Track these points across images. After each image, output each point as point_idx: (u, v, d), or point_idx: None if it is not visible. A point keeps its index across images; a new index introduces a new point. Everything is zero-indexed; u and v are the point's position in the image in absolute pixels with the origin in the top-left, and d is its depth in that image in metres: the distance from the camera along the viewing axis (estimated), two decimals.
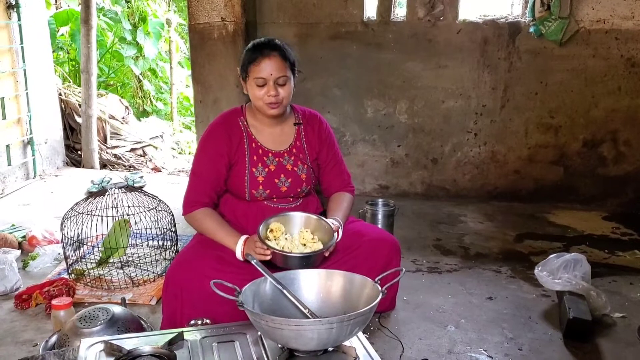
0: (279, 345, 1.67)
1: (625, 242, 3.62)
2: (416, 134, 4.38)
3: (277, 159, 2.42)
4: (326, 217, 2.42)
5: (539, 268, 2.77)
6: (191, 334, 1.74)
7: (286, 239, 2.26)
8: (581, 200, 4.27)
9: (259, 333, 1.75)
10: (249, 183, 2.38)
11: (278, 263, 2.15)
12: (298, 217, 2.34)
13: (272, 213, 2.40)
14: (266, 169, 2.39)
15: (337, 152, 2.58)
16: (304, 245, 2.23)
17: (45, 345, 2.14)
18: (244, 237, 2.25)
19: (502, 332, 2.48)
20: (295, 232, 2.30)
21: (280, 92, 2.28)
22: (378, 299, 1.65)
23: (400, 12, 4.24)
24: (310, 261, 2.16)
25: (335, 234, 2.26)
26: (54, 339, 2.16)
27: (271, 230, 2.25)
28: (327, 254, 2.24)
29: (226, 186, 2.44)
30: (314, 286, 1.87)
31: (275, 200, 2.44)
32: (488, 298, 2.80)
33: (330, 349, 1.66)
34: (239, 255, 2.23)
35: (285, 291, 1.79)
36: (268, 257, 2.15)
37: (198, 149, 2.46)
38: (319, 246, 2.22)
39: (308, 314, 1.74)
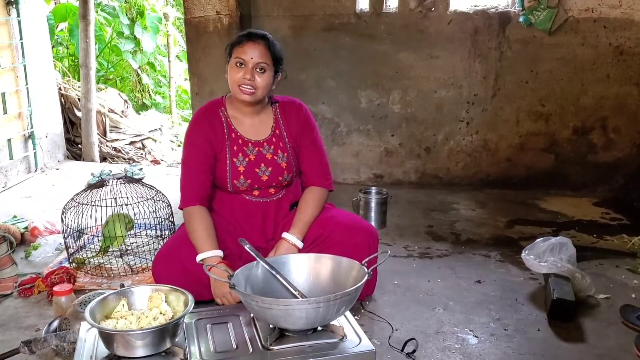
0: (270, 325, 1.75)
1: (614, 226, 3.69)
2: (409, 124, 4.45)
3: (256, 149, 2.45)
4: (295, 213, 2.48)
5: (526, 252, 2.83)
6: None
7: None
8: (572, 186, 4.34)
9: (252, 314, 1.84)
10: (231, 173, 2.42)
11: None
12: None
13: (252, 208, 2.47)
14: (246, 159, 2.43)
15: (317, 140, 2.56)
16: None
17: (48, 329, 2.22)
18: (210, 254, 2.25)
19: (488, 313, 2.55)
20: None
21: (257, 79, 2.31)
22: (364, 280, 1.74)
23: (392, 3, 4.29)
24: None
25: None
26: (55, 323, 2.23)
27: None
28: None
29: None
30: (304, 269, 1.95)
31: (257, 194, 2.48)
32: (477, 281, 2.88)
33: (320, 328, 1.75)
34: (198, 260, 2.26)
35: (276, 274, 1.88)
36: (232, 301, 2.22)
37: (185, 142, 2.49)
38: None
39: (298, 296, 1.83)
